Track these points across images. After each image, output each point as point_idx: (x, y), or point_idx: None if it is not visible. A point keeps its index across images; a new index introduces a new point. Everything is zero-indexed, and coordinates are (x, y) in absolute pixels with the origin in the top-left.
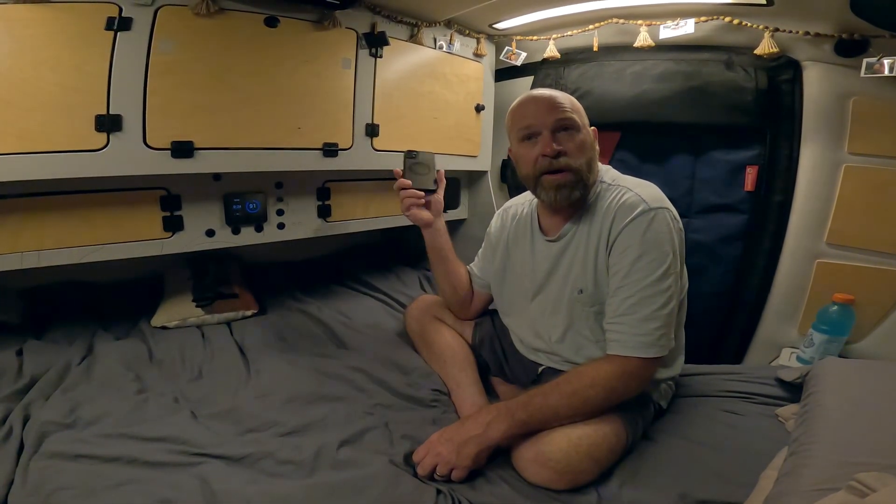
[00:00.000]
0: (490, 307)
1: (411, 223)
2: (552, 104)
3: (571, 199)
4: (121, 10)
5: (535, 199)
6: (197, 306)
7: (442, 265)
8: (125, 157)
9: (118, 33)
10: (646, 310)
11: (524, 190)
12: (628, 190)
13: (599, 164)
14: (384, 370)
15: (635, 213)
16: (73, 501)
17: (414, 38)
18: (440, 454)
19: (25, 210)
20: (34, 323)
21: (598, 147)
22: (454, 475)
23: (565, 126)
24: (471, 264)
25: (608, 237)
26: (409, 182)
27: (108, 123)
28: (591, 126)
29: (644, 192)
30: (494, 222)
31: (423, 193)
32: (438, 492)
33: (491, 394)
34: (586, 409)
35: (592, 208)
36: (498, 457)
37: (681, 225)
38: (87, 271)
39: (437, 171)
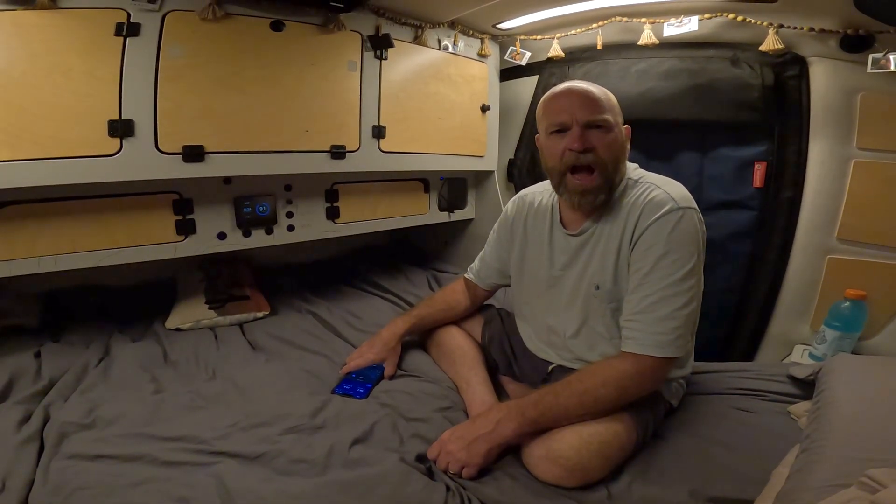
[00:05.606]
0: (499, 306)
1: (419, 224)
2: (587, 100)
3: (595, 204)
4: (129, 15)
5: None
6: (209, 308)
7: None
8: (138, 162)
9: (127, 39)
10: (665, 309)
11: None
12: (656, 187)
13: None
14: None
15: (663, 210)
16: (93, 501)
17: (418, 40)
18: (451, 452)
19: (42, 215)
20: (52, 326)
21: (628, 146)
22: (465, 473)
23: (598, 124)
24: (471, 267)
25: (632, 233)
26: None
27: (121, 128)
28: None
29: (672, 190)
30: (510, 207)
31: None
32: (448, 489)
33: (500, 393)
34: (597, 408)
35: (617, 204)
36: (508, 454)
37: (704, 227)
38: (103, 275)
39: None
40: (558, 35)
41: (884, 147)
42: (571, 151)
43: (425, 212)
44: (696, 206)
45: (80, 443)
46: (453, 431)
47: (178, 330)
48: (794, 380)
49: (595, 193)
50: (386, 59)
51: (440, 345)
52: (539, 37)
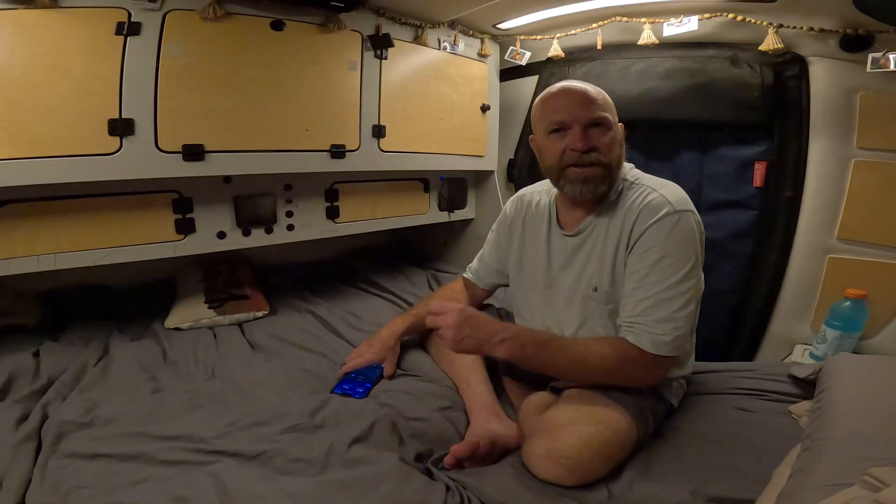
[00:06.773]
0: (498, 306)
1: (419, 224)
2: (586, 99)
3: (597, 193)
4: (130, 14)
5: (554, 191)
6: (209, 308)
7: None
8: (138, 161)
9: (128, 38)
10: (663, 311)
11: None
12: (653, 190)
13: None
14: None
15: (660, 214)
16: (91, 500)
17: (418, 40)
18: (447, 323)
19: (41, 214)
20: (51, 325)
21: (625, 144)
22: (441, 333)
23: (597, 123)
24: (470, 267)
25: (629, 236)
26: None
27: (121, 127)
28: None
29: (669, 193)
30: (509, 207)
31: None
32: (448, 489)
33: (500, 392)
34: (584, 380)
35: (613, 206)
36: (508, 454)
37: (703, 228)
38: (102, 274)
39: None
40: (558, 35)
41: (884, 146)
42: (573, 151)
43: (425, 212)
44: (693, 208)
45: (77, 442)
46: (468, 318)
47: (177, 329)
48: (794, 379)
49: (597, 183)
50: (386, 58)
51: (440, 344)
52: (539, 37)
